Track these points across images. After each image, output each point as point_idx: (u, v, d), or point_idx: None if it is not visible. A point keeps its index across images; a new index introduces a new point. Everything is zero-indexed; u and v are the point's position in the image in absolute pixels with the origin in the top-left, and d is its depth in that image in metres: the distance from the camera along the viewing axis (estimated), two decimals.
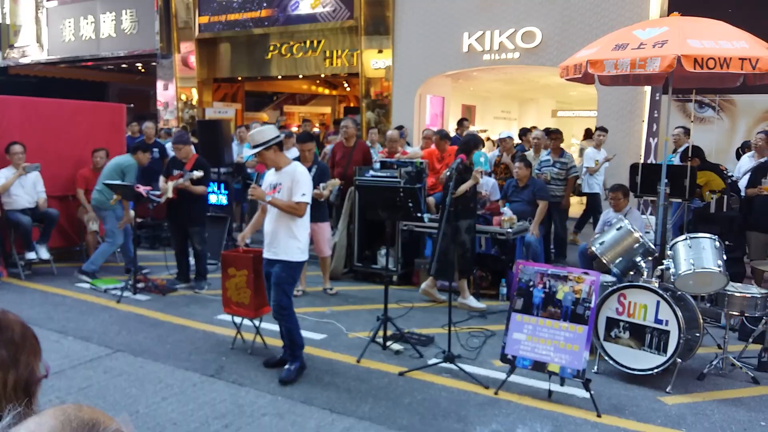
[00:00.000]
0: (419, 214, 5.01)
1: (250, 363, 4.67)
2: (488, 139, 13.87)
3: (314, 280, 7.06)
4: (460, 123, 10.69)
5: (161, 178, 6.64)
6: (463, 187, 5.72)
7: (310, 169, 6.29)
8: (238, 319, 5.05)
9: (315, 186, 6.16)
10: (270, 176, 4.39)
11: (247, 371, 4.51)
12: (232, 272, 4.91)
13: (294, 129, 15.05)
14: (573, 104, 18.86)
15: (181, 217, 6.62)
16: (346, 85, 18.01)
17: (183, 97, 15.49)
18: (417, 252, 7.50)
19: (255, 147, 4.28)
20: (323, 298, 6.52)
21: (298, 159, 6.39)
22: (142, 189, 6.48)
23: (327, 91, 19.19)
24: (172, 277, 7.01)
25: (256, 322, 4.98)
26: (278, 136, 4.34)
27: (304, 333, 5.35)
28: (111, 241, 7.04)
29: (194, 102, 15.41)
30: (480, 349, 5.02)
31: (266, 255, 4.40)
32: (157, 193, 6.52)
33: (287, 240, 4.30)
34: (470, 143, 5.92)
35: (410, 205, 4.92)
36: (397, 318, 5.45)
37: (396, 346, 4.97)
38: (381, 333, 4.99)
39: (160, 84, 15.76)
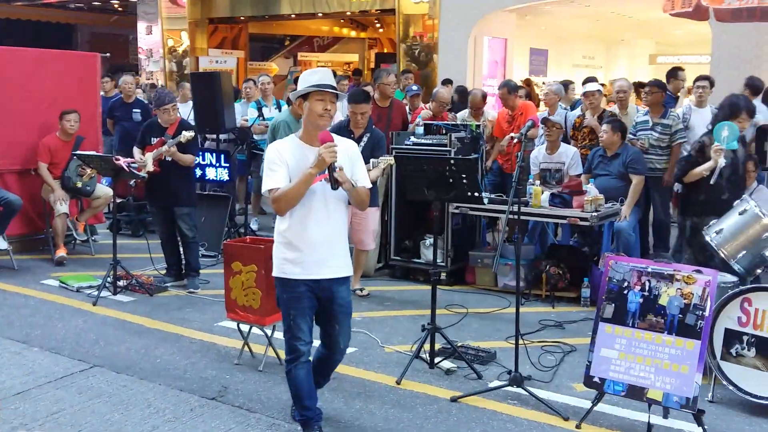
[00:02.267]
0: (476, 194, 4.96)
1: (260, 383, 4.72)
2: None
3: None
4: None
5: (135, 150, 6.73)
6: (698, 170, 5.49)
7: (361, 138, 6.27)
8: (245, 327, 5.11)
9: (366, 161, 6.11)
10: (306, 153, 3.65)
11: (257, 393, 4.56)
12: (238, 267, 4.96)
13: None
14: (678, 47, 18.42)
15: (166, 197, 6.72)
16: (378, 24, 17.95)
17: (170, 42, 15.65)
18: (472, 242, 7.47)
19: (325, 86, 3.65)
20: (352, 301, 6.53)
21: (344, 125, 6.36)
22: (123, 161, 6.59)
23: (354, 34, 19.18)
24: (160, 273, 7.13)
25: (268, 331, 5.02)
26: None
27: None
28: None
29: (185, 49, 15.56)
30: (556, 369, 4.99)
31: (317, 275, 3.72)
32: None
33: (345, 249, 3.88)
34: (735, 107, 5.47)
35: (464, 181, 4.88)
36: (448, 327, 5.44)
37: (447, 364, 4.97)
38: (427, 346, 4.98)
39: (141, 26, 15.95)
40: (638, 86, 10.34)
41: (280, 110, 9.24)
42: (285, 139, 3.79)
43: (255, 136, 8.89)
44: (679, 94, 9.07)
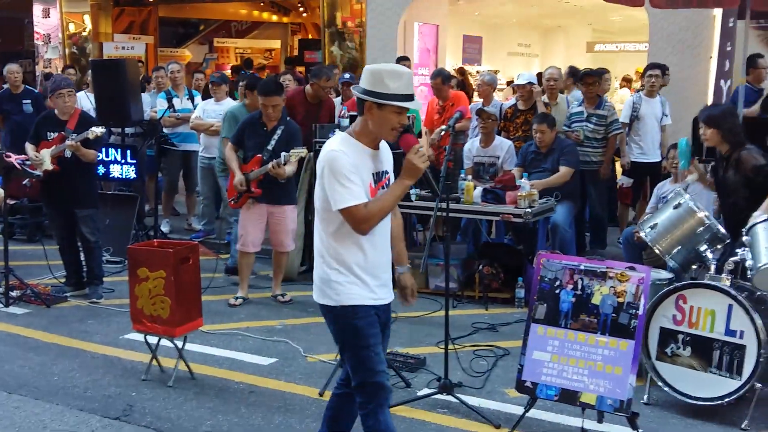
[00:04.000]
0: None
1: (170, 399, 4.67)
2: (510, 84, 13.83)
3: (260, 282, 7.05)
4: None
5: (28, 147, 6.52)
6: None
7: (274, 130, 6.32)
8: (153, 339, 5.04)
9: (277, 154, 6.18)
10: (365, 158, 3.31)
11: (167, 411, 4.51)
12: (144, 274, 4.90)
13: (227, 72, 14.92)
14: (616, 35, 18.93)
15: (65, 198, 6.55)
16: (301, 8, 17.86)
17: (71, 27, 15.26)
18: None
19: (407, 97, 3.28)
20: (272, 308, 6.52)
21: (256, 118, 6.42)
22: (15, 158, 6.40)
23: (275, 18, 19.02)
24: (59, 282, 6.95)
25: (179, 343, 4.97)
26: None
27: (246, 355, 5.40)
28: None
29: (87, 33, 15.20)
30: (488, 375, 5.06)
31: (384, 299, 3.46)
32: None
33: None
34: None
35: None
36: None
37: None
38: None
39: (37, 9, 15.48)
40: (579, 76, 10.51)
41: (192, 100, 9.12)
42: (340, 139, 3.33)
43: (165, 130, 8.74)
44: (762, 85, 8.48)
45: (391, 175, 3.48)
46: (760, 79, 8.41)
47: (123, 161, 8.21)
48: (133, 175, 8.23)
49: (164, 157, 8.89)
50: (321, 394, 4.71)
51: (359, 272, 3.34)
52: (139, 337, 5.18)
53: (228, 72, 14.87)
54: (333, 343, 5.45)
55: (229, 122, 7.07)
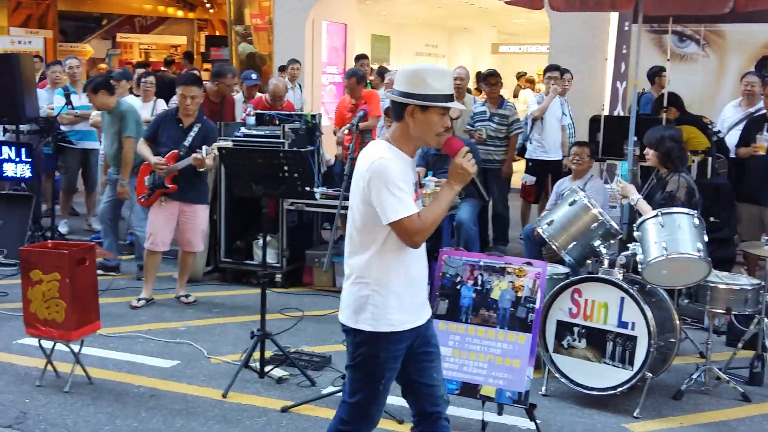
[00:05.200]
0: (308, 188, 4.99)
1: (66, 405, 4.54)
2: None
3: (164, 283, 6.91)
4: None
5: None
6: None
7: (191, 128, 6.24)
8: (47, 344, 4.86)
9: (196, 148, 6.09)
10: (407, 168, 3.09)
11: (62, 417, 4.38)
12: (37, 276, 4.74)
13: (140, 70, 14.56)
14: (519, 36, 19.39)
15: None
16: (208, 4, 17.62)
17: None
18: (309, 241, 7.49)
19: (449, 98, 3.07)
20: (176, 309, 6.40)
21: (171, 114, 6.40)
22: None
23: (181, 14, 18.71)
24: None
25: (75, 347, 4.82)
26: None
27: (147, 358, 5.28)
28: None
29: None
30: None
31: (421, 320, 3.18)
32: None
33: None
34: None
35: (296, 175, 4.89)
36: (281, 333, 5.43)
37: (278, 372, 4.97)
38: (257, 355, 4.96)
39: None
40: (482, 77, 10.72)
41: None
42: (384, 146, 3.08)
43: (62, 127, 8.46)
44: None
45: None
46: None
47: (17, 159, 7.90)
48: (28, 174, 7.93)
49: (62, 155, 8.61)
50: (224, 396, 4.65)
51: (401, 291, 3.09)
52: (33, 341, 4.99)
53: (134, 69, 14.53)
54: (239, 343, 5.50)
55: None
